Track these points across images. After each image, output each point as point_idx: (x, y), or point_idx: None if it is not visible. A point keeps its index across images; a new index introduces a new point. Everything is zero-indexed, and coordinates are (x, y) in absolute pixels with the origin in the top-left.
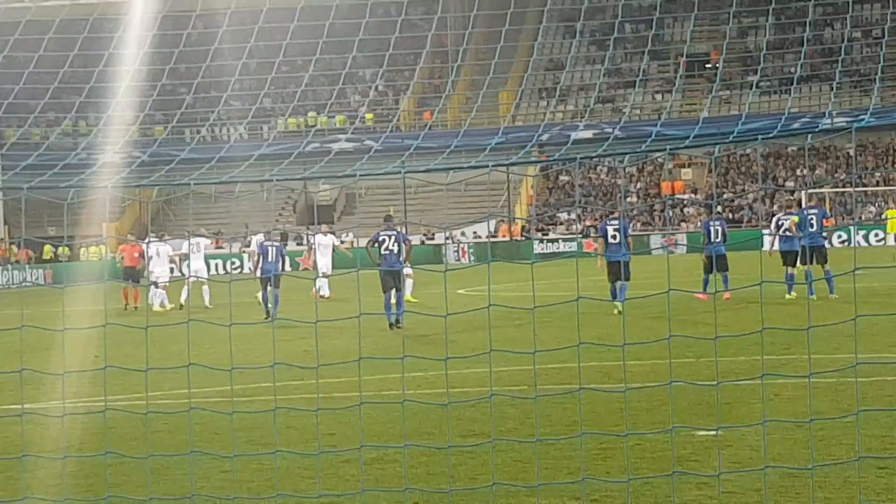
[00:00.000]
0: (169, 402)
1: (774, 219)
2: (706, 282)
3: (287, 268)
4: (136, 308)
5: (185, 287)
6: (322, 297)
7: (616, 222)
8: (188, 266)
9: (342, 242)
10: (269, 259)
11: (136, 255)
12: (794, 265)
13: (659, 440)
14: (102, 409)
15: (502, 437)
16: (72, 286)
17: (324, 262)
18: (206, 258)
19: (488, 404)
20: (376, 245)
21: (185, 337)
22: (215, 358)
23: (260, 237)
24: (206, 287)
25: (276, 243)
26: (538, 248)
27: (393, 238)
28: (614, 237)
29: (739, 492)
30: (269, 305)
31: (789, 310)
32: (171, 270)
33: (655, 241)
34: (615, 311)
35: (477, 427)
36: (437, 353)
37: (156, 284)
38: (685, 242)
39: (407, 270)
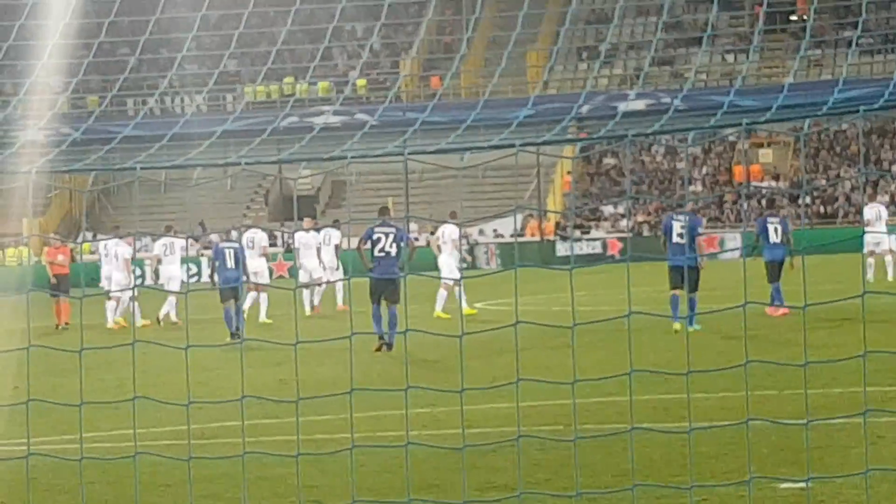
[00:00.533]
0: (109, 446)
1: None
2: (777, 291)
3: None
4: (66, 326)
5: (170, 298)
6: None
7: (684, 218)
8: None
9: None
10: (229, 265)
11: (61, 258)
12: None
13: (732, 494)
14: (24, 455)
15: (532, 489)
16: None
17: (311, 266)
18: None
19: (514, 449)
20: (369, 244)
21: (130, 363)
22: (168, 390)
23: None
24: (172, 298)
25: (234, 245)
26: (578, 249)
27: (391, 237)
28: (680, 235)
29: None
30: (235, 324)
31: None
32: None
33: (731, 240)
34: (674, 330)
35: (500, 478)
36: (450, 384)
37: (107, 296)
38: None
39: (456, 274)
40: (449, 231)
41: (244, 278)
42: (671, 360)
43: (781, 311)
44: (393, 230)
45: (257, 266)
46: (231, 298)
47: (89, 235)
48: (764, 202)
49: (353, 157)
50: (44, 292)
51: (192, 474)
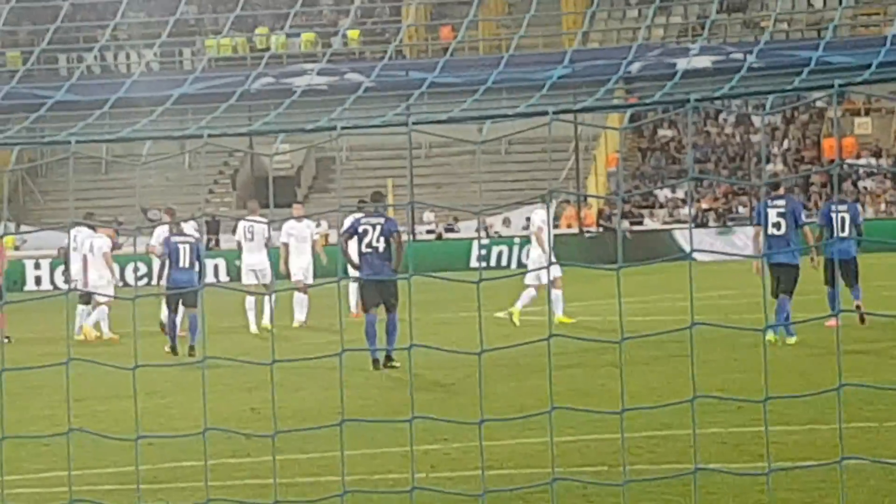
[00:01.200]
0: (37, 492)
1: None
2: (832, 298)
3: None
4: (8, 340)
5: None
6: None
7: (782, 202)
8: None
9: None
10: (182, 264)
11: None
12: None
13: None
14: None
15: None
16: None
17: (300, 265)
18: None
19: (548, 494)
20: (355, 238)
21: (63, 386)
22: (111, 421)
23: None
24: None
25: (189, 239)
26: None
27: (378, 229)
28: (777, 225)
29: None
30: (186, 334)
31: None
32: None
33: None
34: (768, 341)
35: None
36: (465, 414)
37: (87, 300)
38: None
39: (555, 271)
40: (539, 216)
41: (197, 279)
42: (745, 383)
43: (831, 321)
44: (381, 220)
45: (259, 262)
46: (182, 305)
47: (11, 227)
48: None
49: (343, 128)
50: None
51: None
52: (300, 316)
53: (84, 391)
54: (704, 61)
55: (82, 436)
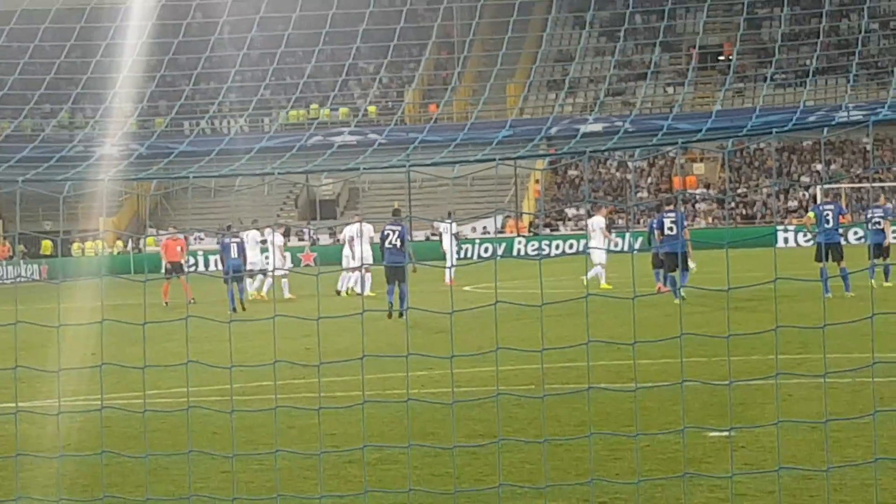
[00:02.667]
0: (167, 401)
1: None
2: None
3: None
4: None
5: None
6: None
7: (673, 214)
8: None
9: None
10: (232, 255)
11: (179, 249)
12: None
13: (670, 441)
14: (99, 408)
15: (509, 437)
16: (77, 282)
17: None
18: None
19: (495, 404)
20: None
21: (184, 334)
22: (215, 356)
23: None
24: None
25: (235, 240)
26: (545, 246)
27: (396, 233)
28: (671, 229)
29: (752, 494)
30: (237, 299)
31: (804, 308)
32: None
33: None
34: (676, 301)
35: (483, 427)
36: (443, 352)
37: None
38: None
39: (602, 257)
40: (597, 221)
41: (243, 265)
42: (623, 333)
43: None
44: (399, 228)
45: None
46: (234, 282)
47: (153, 231)
48: (698, 206)
49: (365, 169)
50: (165, 278)
51: (234, 424)
52: (358, 287)
53: (198, 337)
54: (597, 126)
55: (196, 365)
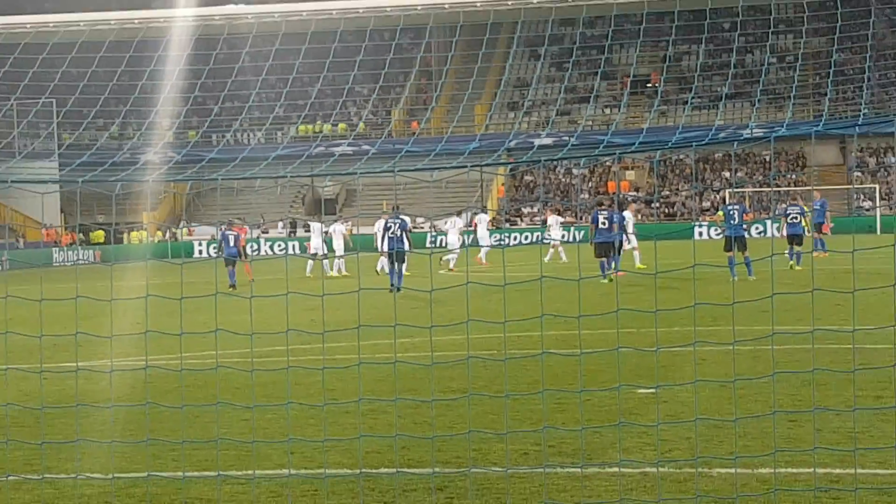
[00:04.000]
0: (199, 362)
1: (783, 207)
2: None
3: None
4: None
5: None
6: (336, 274)
7: (606, 212)
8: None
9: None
10: (231, 244)
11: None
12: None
13: (607, 396)
14: (144, 367)
15: (477, 392)
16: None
17: (336, 246)
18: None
19: (465, 366)
20: (383, 231)
21: (213, 307)
22: (238, 325)
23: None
24: (326, 261)
25: (232, 232)
26: (505, 238)
27: (397, 225)
28: (604, 223)
29: (674, 440)
30: (234, 280)
31: (716, 289)
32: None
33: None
34: (607, 281)
35: (455, 384)
36: (424, 322)
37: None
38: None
39: (634, 241)
40: (628, 216)
41: (238, 253)
42: (570, 308)
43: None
44: (399, 220)
45: (319, 244)
46: (229, 265)
47: (185, 223)
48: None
49: (360, 174)
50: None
51: (253, 381)
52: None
53: (225, 310)
54: (548, 140)
55: (222, 332)
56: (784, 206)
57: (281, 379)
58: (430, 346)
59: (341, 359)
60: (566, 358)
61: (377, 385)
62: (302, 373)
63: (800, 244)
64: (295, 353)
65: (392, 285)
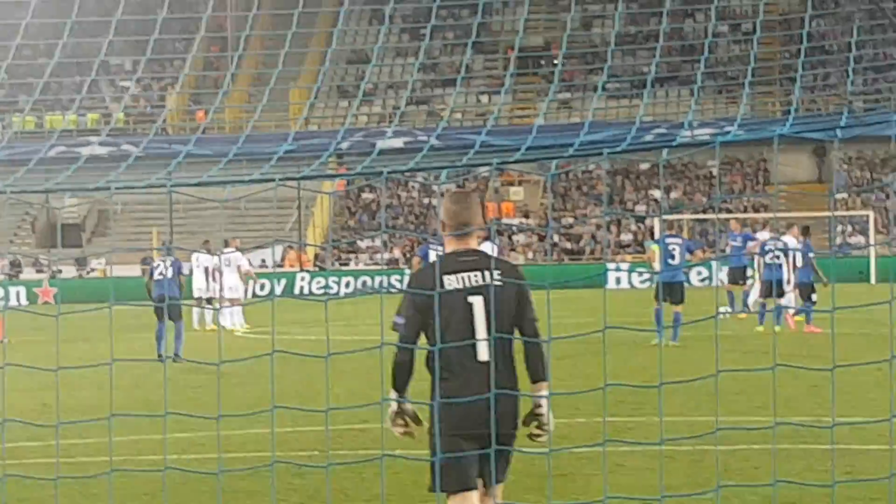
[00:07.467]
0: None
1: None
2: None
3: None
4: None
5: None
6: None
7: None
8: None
9: (92, 270)
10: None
11: None
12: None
13: None
14: None
15: None
16: None
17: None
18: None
19: (269, 473)
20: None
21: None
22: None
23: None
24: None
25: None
26: (334, 284)
27: (168, 264)
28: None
29: None
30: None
31: (639, 360)
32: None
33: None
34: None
35: (255, 502)
36: (209, 410)
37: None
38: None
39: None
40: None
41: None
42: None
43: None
44: (171, 259)
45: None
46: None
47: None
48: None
49: (117, 188)
50: None
51: None
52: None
53: None
54: (398, 142)
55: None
56: (750, 241)
57: None
58: (218, 445)
59: (86, 462)
60: (416, 462)
61: (139, 502)
62: (27, 484)
63: (780, 295)
64: (15, 453)
65: (160, 353)
